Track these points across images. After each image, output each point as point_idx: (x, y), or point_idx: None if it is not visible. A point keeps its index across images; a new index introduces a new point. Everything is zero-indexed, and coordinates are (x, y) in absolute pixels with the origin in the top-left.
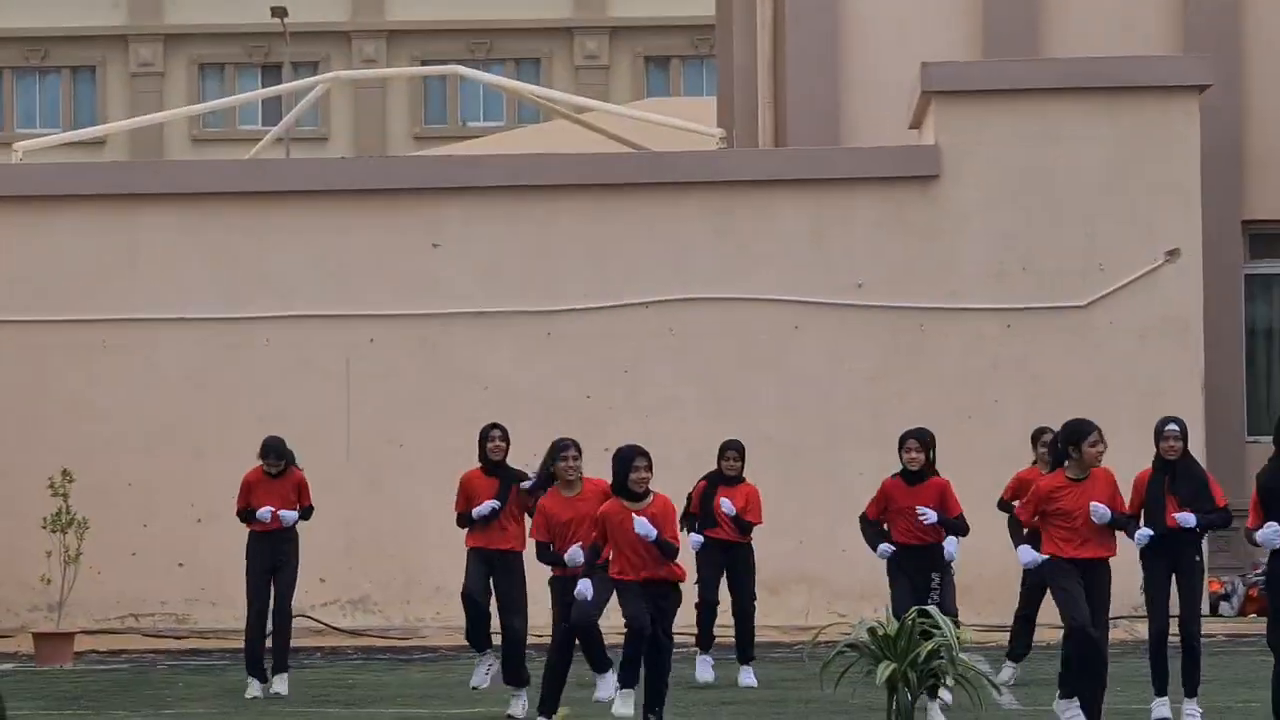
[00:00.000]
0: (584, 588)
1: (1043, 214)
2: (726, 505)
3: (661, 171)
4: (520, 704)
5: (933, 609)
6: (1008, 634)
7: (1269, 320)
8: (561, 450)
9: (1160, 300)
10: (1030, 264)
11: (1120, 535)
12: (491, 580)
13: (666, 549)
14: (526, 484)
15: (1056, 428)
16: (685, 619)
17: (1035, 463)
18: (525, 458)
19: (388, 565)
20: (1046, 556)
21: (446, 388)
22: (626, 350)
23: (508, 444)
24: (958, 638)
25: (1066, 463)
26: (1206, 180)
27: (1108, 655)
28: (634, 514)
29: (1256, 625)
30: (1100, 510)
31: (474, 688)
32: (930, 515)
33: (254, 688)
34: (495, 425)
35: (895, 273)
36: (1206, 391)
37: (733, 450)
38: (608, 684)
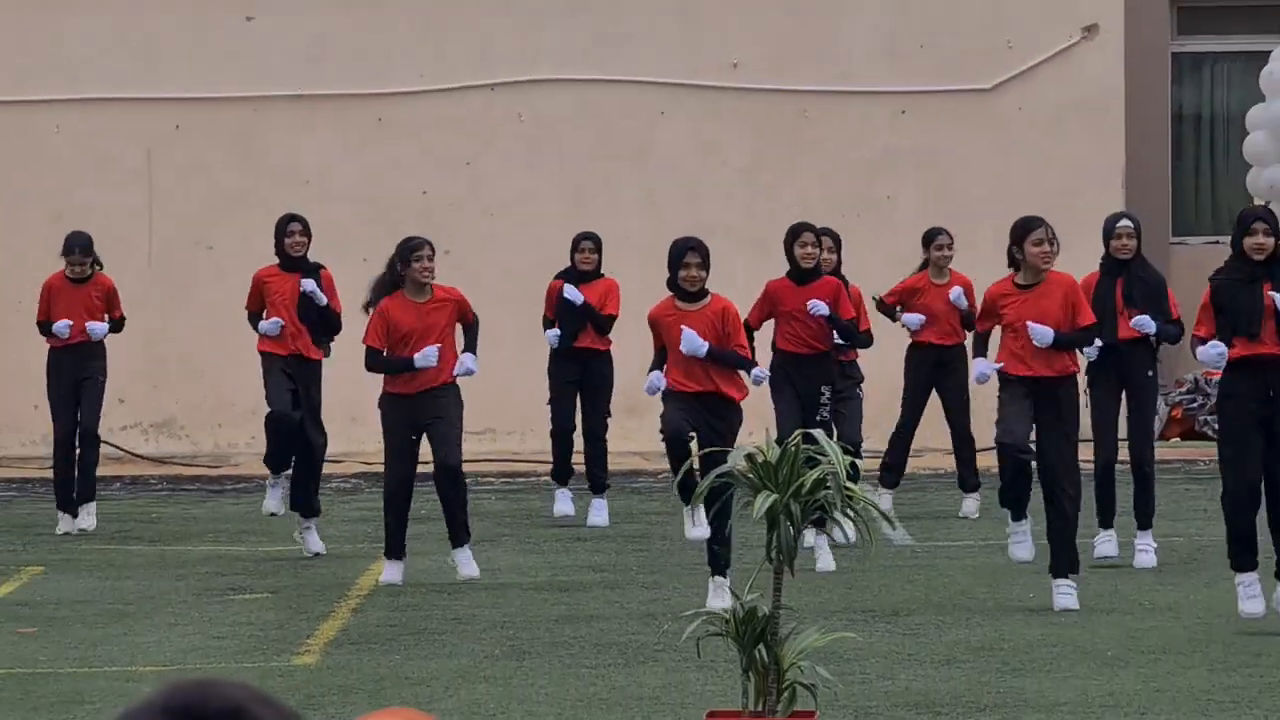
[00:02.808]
0: (655, 379)
1: None
2: (571, 292)
3: None
4: (313, 538)
5: (818, 433)
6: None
7: (1198, 105)
8: (415, 249)
9: (1076, 82)
10: (928, 41)
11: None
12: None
13: (729, 361)
14: (309, 288)
15: (953, 227)
16: (539, 445)
17: (924, 266)
18: (351, 263)
19: (196, 385)
20: (999, 366)
21: (262, 182)
22: (468, 139)
23: (309, 238)
24: (850, 465)
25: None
26: None
27: (1069, 490)
28: (682, 325)
29: (1179, 450)
30: (1039, 332)
31: (272, 514)
32: (820, 307)
33: (64, 523)
34: (294, 217)
35: (774, 50)
36: (1127, 186)
37: (588, 242)
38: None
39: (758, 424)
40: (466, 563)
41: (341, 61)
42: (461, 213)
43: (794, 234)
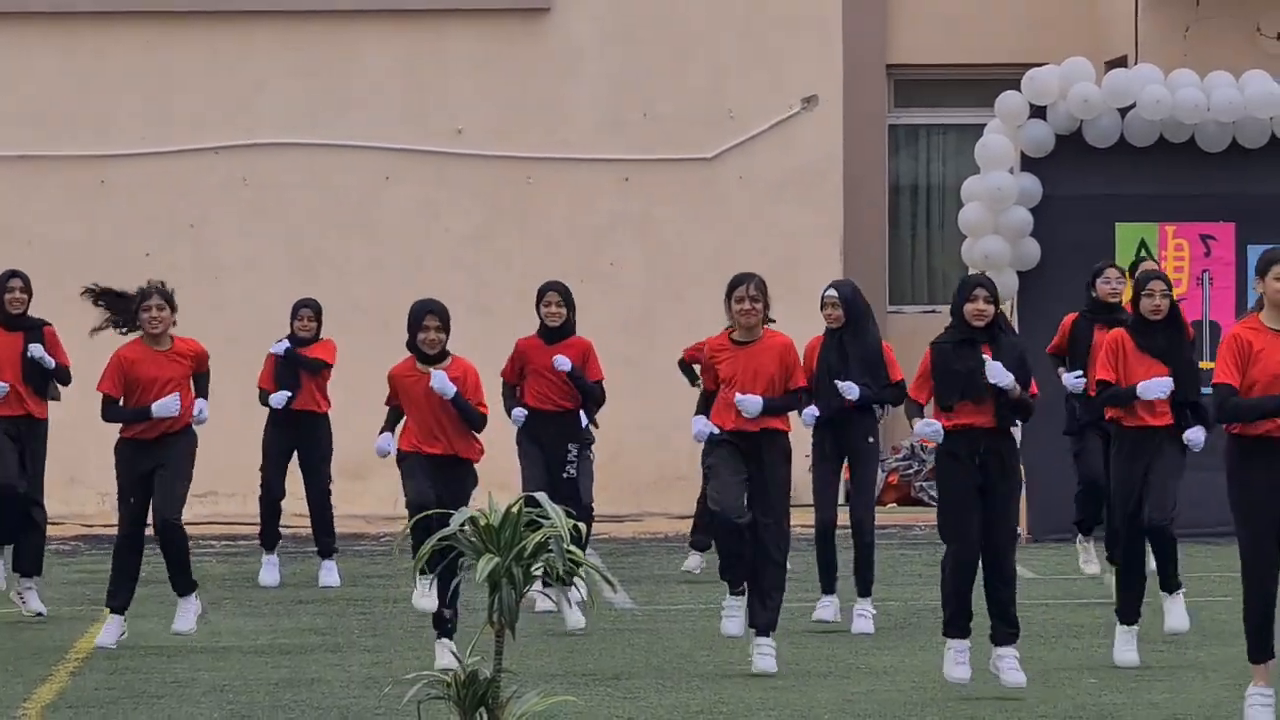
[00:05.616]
0: (383, 443)
1: (665, 54)
2: (278, 347)
3: None
4: (33, 598)
5: (541, 496)
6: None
7: (914, 176)
8: (142, 299)
9: (796, 152)
10: (651, 110)
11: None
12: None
13: (469, 413)
14: (37, 354)
15: (676, 295)
16: (251, 510)
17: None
18: (72, 322)
19: None
20: (716, 430)
21: None
22: (192, 203)
23: (30, 295)
24: (573, 528)
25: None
26: (847, 18)
27: (775, 554)
28: (432, 369)
29: (895, 516)
30: (748, 403)
31: None
32: (564, 362)
33: None
34: (15, 273)
35: (500, 118)
36: (845, 255)
37: (307, 309)
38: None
39: (494, 485)
40: (183, 616)
41: (64, 123)
42: (185, 276)
43: (540, 294)
